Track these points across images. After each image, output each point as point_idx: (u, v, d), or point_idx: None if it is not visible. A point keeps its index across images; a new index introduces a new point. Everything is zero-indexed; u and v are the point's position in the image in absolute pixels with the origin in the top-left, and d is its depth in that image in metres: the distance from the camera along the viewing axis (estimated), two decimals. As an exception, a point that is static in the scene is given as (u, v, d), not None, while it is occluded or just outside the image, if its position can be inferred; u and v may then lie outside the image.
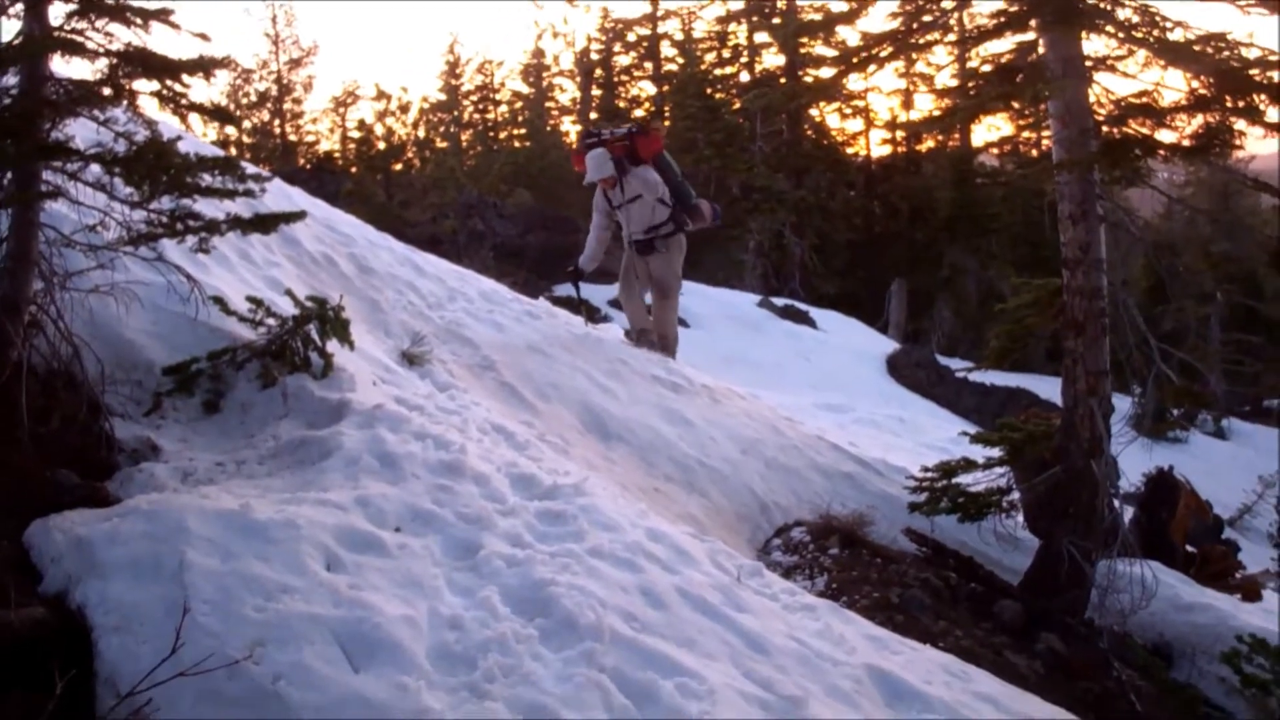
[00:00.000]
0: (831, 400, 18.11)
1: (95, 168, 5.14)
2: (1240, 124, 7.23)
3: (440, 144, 45.21)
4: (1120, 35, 7.57)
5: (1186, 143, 7.39)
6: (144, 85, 5.11)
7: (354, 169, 35.89)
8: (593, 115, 46.73)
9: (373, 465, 5.21)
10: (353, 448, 5.32)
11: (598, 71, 49.12)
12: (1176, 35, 7.34)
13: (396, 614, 3.95)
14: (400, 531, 4.70)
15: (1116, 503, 8.32)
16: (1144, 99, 7.66)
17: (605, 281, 21.15)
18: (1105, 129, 7.74)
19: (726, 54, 46.86)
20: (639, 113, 47.62)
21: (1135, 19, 7.49)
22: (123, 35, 5.04)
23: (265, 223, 5.63)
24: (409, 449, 5.45)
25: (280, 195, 9.05)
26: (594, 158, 10.33)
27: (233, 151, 29.79)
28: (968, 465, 8.49)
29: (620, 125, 10.91)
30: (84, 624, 3.75)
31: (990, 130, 42.83)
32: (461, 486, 5.25)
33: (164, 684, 3.37)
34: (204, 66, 5.07)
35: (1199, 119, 7.33)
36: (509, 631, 4.05)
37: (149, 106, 5.21)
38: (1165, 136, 7.58)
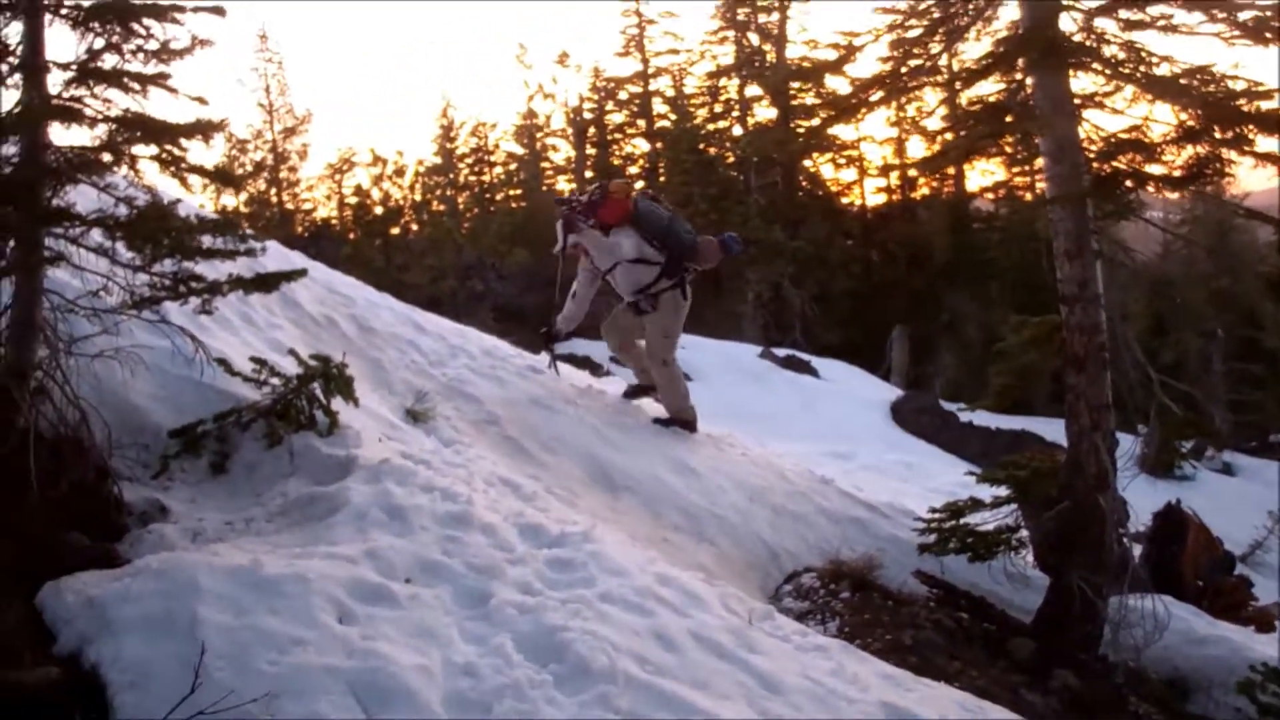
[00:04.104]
0: (837, 448, 18.09)
1: (97, 233, 5.18)
2: (1230, 154, 7.28)
3: (437, 207, 45.29)
4: (1107, 72, 7.64)
5: (1177, 174, 7.44)
6: (143, 150, 5.16)
7: (352, 234, 36.00)
8: (588, 174, 46.99)
9: (381, 518, 5.22)
10: (360, 502, 5.33)
11: (591, 130, 49.38)
12: (1163, 70, 7.41)
13: (410, 663, 3.95)
14: (411, 582, 4.71)
15: (1125, 538, 8.31)
16: (1133, 133, 7.74)
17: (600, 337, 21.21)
18: (1096, 164, 7.79)
19: (718, 109, 47.33)
20: (633, 169, 47.90)
21: (1121, 55, 7.56)
22: (120, 101, 5.10)
23: (266, 282, 5.67)
24: (416, 501, 5.47)
25: (280, 258, 9.08)
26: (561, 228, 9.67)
27: (231, 221, 29.81)
28: (975, 505, 8.47)
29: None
30: (99, 682, 3.77)
31: (984, 175, 43.20)
32: (470, 537, 5.26)
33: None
34: (202, 130, 5.12)
35: (1188, 151, 7.38)
36: (523, 678, 4.06)
37: (149, 171, 5.26)
38: (1156, 170, 7.63)
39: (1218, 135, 7.27)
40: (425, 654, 4.09)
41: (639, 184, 9.54)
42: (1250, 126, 7.11)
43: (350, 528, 5.11)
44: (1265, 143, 7.17)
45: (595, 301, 10.14)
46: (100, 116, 5.08)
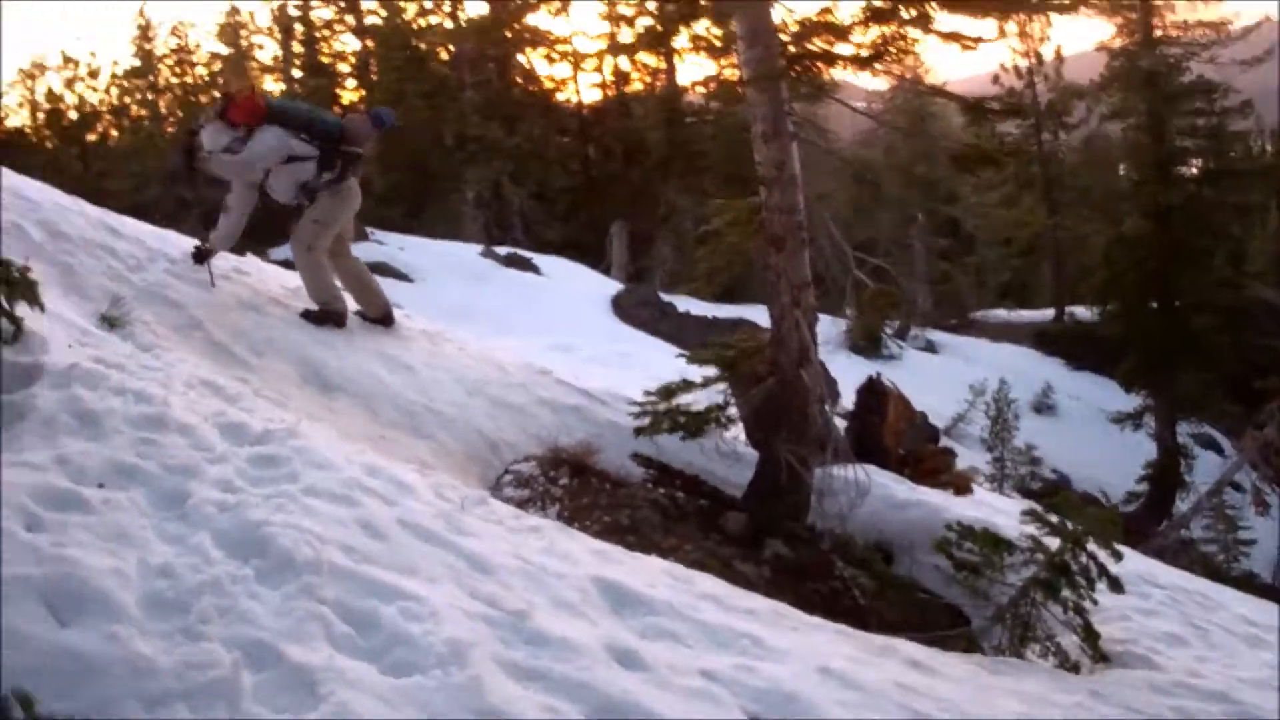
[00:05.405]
0: (560, 341, 18.29)
1: None
2: (914, 33, 7.56)
3: (137, 111, 43.47)
4: (798, -45, 7.82)
5: (865, 53, 7.68)
6: None
7: (48, 143, 34.23)
8: (295, 73, 45.69)
9: (71, 424, 5.01)
10: (48, 408, 5.10)
11: (298, 27, 47.90)
12: (851, -49, 7.63)
13: (103, 566, 3.82)
14: (103, 487, 4.55)
15: (829, 409, 8.65)
16: (825, 16, 7.93)
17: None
18: (790, 47, 7.98)
19: (428, 3, 46.40)
20: (343, 67, 46.83)
21: (811, -64, 7.75)
22: None
23: (-68, 182, 5.34)
24: (108, 405, 5.26)
25: (-46, 163, 8.58)
26: (207, 134, 8.99)
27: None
28: (686, 386, 8.68)
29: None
30: None
31: (695, 68, 43.76)
32: (166, 438, 5.10)
33: None
34: None
35: (876, 31, 7.63)
36: (223, 574, 3.98)
37: None
38: (846, 50, 7.86)
39: (903, 15, 7.53)
40: (120, 557, 3.96)
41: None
42: (933, 5, 7.41)
43: (37, 435, 4.88)
44: (947, 21, 7.51)
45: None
46: None
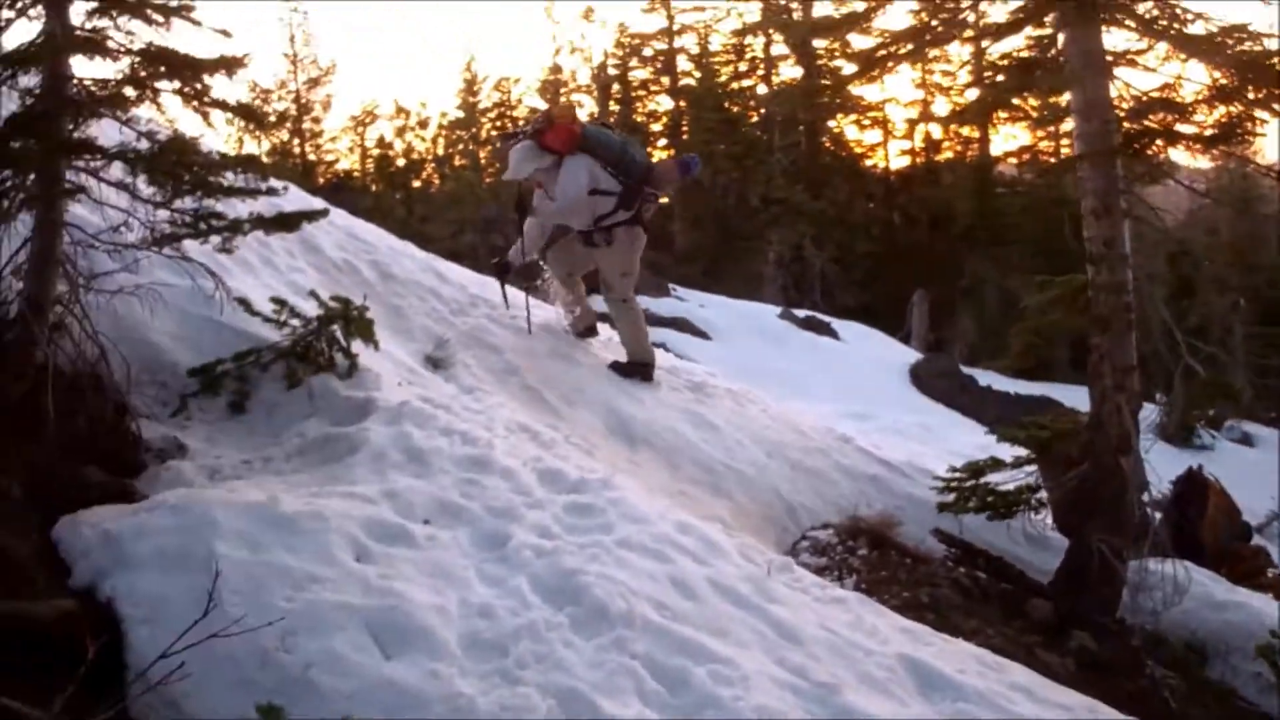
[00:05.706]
0: (855, 409, 18.00)
1: (118, 168, 5.16)
2: (1262, 115, 7.20)
3: (459, 161, 45.23)
4: (1140, 29, 7.55)
5: (1208, 133, 7.35)
6: (166, 84, 5.13)
7: (374, 186, 35.97)
8: (612, 131, 46.70)
9: (399, 460, 5.22)
10: (379, 443, 5.33)
11: (615, 87, 49.15)
12: (1197, 28, 7.32)
13: (427, 602, 3.94)
14: (429, 523, 4.71)
15: (1146, 500, 8.26)
16: (1165, 92, 7.64)
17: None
18: (1126, 123, 7.71)
19: (743, 66, 47.04)
20: (656, 126, 47.74)
21: (1155, 12, 7.47)
22: (144, 34, 5.06)
23: (288, 221, 5.65)
24: (435, 444, 5.46)
25: (300, 201, 9.00)
26: (517, 152, 8.84)
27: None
28: (995, 464, 8.43)
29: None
30: (114, 616, 3.76)
31: (1008, 140, 42.90)
32: (489, 480, 5.25)
33: (194, 676, 3.37)
34: (226, 65, 5.10)
35: (1220, 110, 7.30)
36: (540, 619, 4.05)
37: (171, 106, 5.23)
38: (1187, 130, 7.55)
39: (1250, 95, 7.18)
40: (442, 594, 4.08)
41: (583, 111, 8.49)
42: (1282, 87, 7.04)
43: (369, 468, 5.10)
44: (1299, 103, 7.12)
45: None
46: (123, 49, 5.06)
